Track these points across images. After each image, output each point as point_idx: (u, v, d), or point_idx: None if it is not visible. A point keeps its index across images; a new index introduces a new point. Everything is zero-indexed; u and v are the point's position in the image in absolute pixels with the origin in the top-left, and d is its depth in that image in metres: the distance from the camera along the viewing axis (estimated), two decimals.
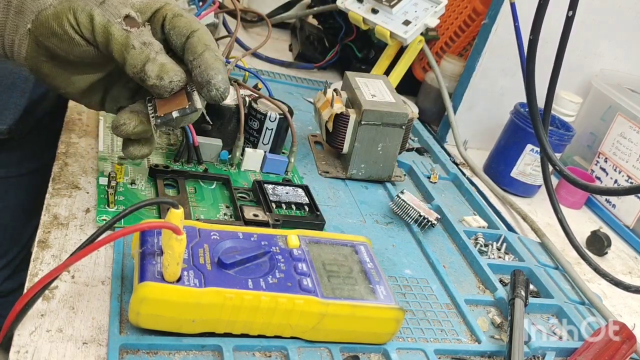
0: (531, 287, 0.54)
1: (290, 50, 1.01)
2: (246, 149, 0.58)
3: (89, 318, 0.38)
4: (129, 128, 0.44)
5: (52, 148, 0.56)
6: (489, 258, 0.57)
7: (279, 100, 0.61)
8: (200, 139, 0.56)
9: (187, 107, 0.43)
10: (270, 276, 0.40)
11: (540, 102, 0.59)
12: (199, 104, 0.44)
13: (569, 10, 0.53)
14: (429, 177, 0.69)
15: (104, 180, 0.50)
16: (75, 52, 0.43)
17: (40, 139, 0.73)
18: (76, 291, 0.40)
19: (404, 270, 0.52)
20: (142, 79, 0.42)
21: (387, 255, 0.54)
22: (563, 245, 0.63)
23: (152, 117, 0.44)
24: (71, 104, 0.63)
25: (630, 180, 0.73)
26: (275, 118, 0.59)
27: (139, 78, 0.42)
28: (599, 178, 0.77)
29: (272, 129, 0.59)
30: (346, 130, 0.61)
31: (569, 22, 0.53)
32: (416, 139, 0.79)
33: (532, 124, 0.58)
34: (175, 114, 0.43)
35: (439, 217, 0.58)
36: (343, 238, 0.46)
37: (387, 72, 0.82)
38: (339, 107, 0.61)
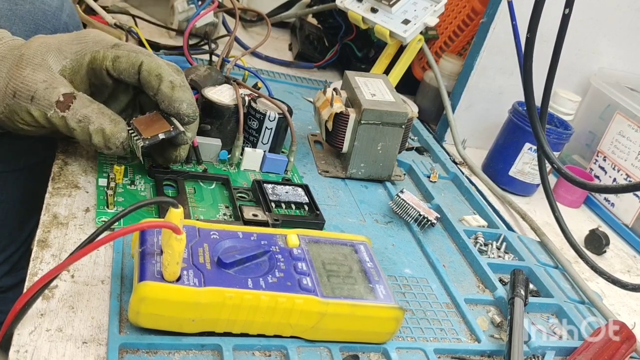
0: (531, 286, 0.54)
1: (290, 49, 1.01)
2: (245, 148, 0.58)
3: (88, 317, 0.38)
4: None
5: (49, 143, 0.56)
6: (489, 257, 0.57)
7: (278, 100, 0.61)
8: (199, 139, 0.56)
9: (171, 129, 0.48)
10: (270, 275, 0.40)
11: (538, 101, 0.59)
12: (181, 127, 0.49)
13: (565, 8, 0.53)
14: (428, 177, 0.69)
15: (103, 182, 0.50)
16: (41, 132, 0.49)
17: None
18: (76, 291, 0.40)
19: (404, 270, 0.52)
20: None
21: (386, 254, 0.54)
22: (562, 244, 0.63)
23: (138, 139, 0.47)
24: None
25: (629, 179, 0.73)
26: (275, 117, 0.59)
27: (93, 148, 0.48)
28: (597, 177, 0.77)
29: (271, 129, 0.59)
30: (346, 129, 0.61)
31: (565, 20, 0.53)
32: (416, 138, 0.79)
33: (529, 122, 0.58)
34: (161, 136, 0.48)
35: (439, 216, 0.58)
36: (343, 237, 0.46)
37: (387, 72, 0.82)
38: (338, 107, 0.61)
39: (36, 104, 0.45)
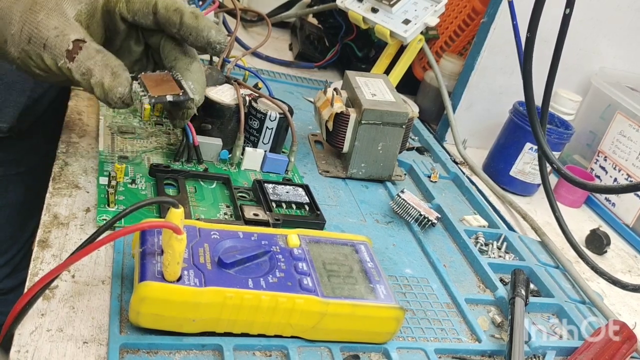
0: (531, 286, 0.54)
1: (291, 49, 1.01)
2: (246, 148, 0.58)
3: (89, 317, 0.38)
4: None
5: (51, 146, 0.56)
6: (490, 257, 0.57)
7: (279, 100, 0.61)
8: (200, 139, 0.56)
9: (180, 94, 0.46)
10: (271, 275, 0.40)
11: (539, 101, 0.59)
12: (191, 93, 0.46)
13: (566, 8, 0.53)
14: (429, 177, 0.69)
15: (104, 180, 0.50)
16: (57, 79, 0.47)
17: (39, 137, 0.73)
18: (76, 291, 0.40)
19: (404, 270, 0.52)
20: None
21: (387, 254, 0.54)
22: (563, 244, 0.63)
23: (144, 96, 0.45)
24: (71, 103, 0.63)
25: (630, 179, 0.73)
26: (276, 117, 0.59)
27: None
28: (598, 176, 0.77)
29: (272, 129, 0.59)
30: (346, 129, 0.61)
31: (566, 19, 0.53)
32: (416, 138, 0.79)
33: (529, 122, 0.58)
34: (169, 98, 0.46)
35: (439, 216, 0.58)
36: (343, 237, 0.46)
37: (387, 71, 0.82)
38: (339, 107, 0.61)
39: (48, 52, 0.44)
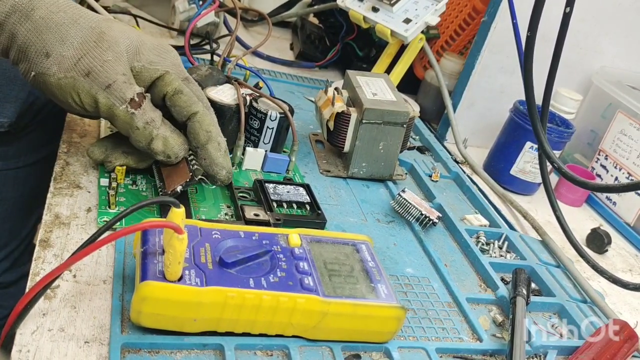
0: (533, 285, 0.54)
1: (291, 49, 1.01)
2: (247, 148, 0.58)
3: (90, 317, 0.38)
4: (112, 166, 0.50)
5: (50, 142, 0.56)
6: (491, 256, 0.57)
7: (279, 99, 0.61)
8: None
9: (188, 179, 0.48)
10: (272, 275, 0.40)
11: (540, 100, 0.59)
12: (199, 172, 0.49)
13: (566, 6, 0.53)
14: (430, 176, 0.69)
15: (105, 182, 0.50)
16: (74, 112, 0.48)
17: (39, 132, 0.73)
18: (78, 290, 0.40)
19: (406, 269, 0.52)
20: (149, 153, 0.48)
21: (388, 254, 0.54)
22: (564, 243, 0.63)
23: (161, 192, 0.49)
24: None
25: (630, 178, 0.73)
26: (276, 117, 0.59)
27: (145, 150, 0.47)
28: (599, 175, 0.77)
29: (272, 128, 0.59)
30: (347, 129, 0.61)
31: (566, 18, 0.53)
32: (417, 137, 0.79)
33: (530, 121, 0.58)
34: (179, 188, 0.48)
35: (440, 215, 0.58)
36: (344, 237, 0.46)
37: (388, 71, 0.82)
38: (340, 106, 0.61)
39: (110, 93, 0.44)
